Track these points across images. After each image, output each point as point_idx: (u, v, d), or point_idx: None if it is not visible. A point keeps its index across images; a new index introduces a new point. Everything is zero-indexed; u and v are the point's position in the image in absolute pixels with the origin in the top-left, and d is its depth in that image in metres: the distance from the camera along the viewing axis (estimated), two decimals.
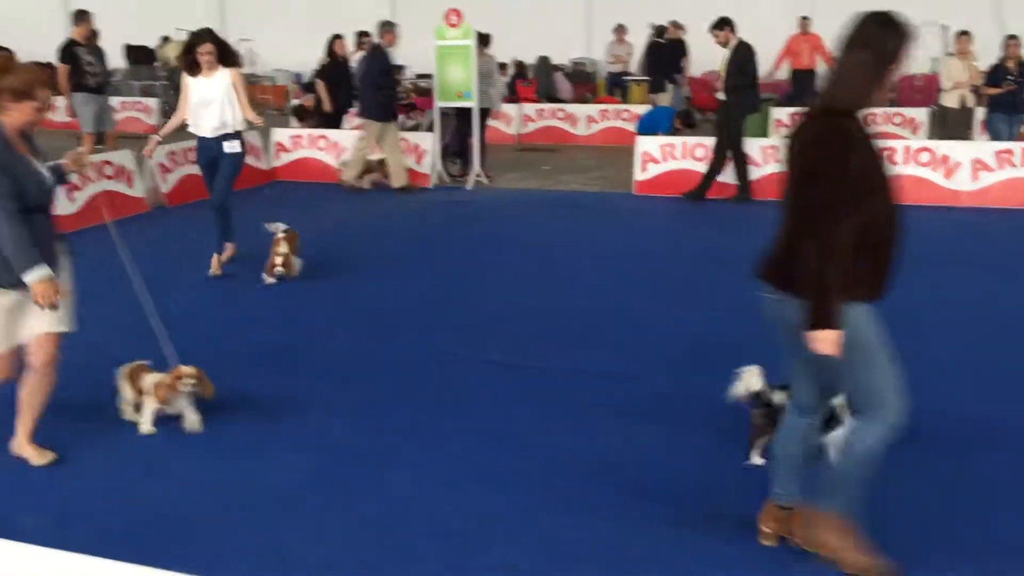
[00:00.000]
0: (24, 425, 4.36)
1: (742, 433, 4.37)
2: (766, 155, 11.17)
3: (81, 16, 11.44)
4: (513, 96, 19.12)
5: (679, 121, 13.19)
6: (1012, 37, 11.66)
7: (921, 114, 15.46)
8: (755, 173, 11.10)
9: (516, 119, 17.48)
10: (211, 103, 7.35)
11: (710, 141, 11.19)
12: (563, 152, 15.82)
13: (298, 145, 12.90)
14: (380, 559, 3.56)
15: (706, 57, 15.78)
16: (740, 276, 7.55)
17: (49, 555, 2.05)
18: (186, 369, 4.64)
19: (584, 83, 21.26)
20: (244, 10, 24.72)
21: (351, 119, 14.71)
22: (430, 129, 12.22)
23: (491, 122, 14.19)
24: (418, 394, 5.22)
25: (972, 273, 7.76)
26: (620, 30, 18.68)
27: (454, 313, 6.80)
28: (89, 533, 3.73)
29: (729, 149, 10.88)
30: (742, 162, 10.93)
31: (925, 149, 10.89)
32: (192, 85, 7.42)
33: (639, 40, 18.03)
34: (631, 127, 15.70)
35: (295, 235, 7.72)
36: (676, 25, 16.15)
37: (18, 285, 4.03)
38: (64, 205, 8.96)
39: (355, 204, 11.14)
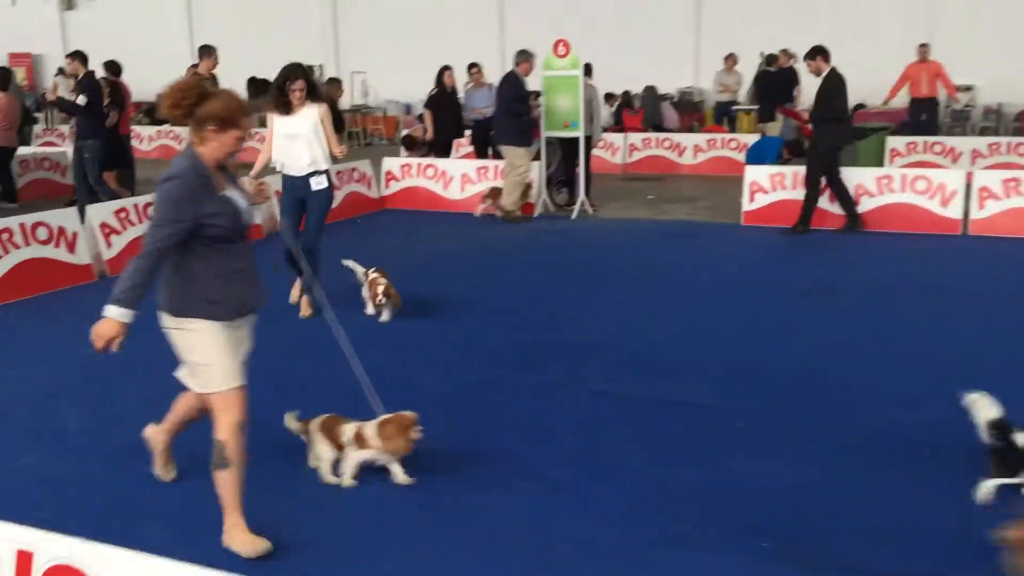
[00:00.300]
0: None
1: (848, 466, 4.24)
2: (880, 185, 10.86)
3: (206, 50, 12.00)
4: (619, 125, 19.13)
5: (787, 151, 12.96)
6: None
7: None
8: (870, 203, 10.82)
9: (622, 148, 17.48)
10: (298, 139, 7.08)
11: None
12: (669, 181, 15.72)
13: (407, 174, 13.20)
14: None
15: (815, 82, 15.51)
16: (842, 309, 7.45)
17: None
18: (411, 414, 4.38)
19: (691, 112, 21.11)
20: (357, 43, 25.50)
21: (459, 147, 14.99)
22: (537, 158, 12.32)
23: (596, 151, 14.22)
24: (516, 424, 5.25)
25: None
26: (729, 59, 18.50)
27: (556, 342, 6.82)
28: None
29: (826, 180, 10.63)
30: (842, 193, 10.66)
31: None
32: (278, 122, 7.14)
33: (748, 69, 17.85)
34: (739, 157, 15.51)
35: (384, 272, 7.47)
36: (787, 53, 15.89)
37: (243, 314, 3.86)
38: None
39: (460, 232, 11.31)
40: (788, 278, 8.67)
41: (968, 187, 10.61)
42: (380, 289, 7.18)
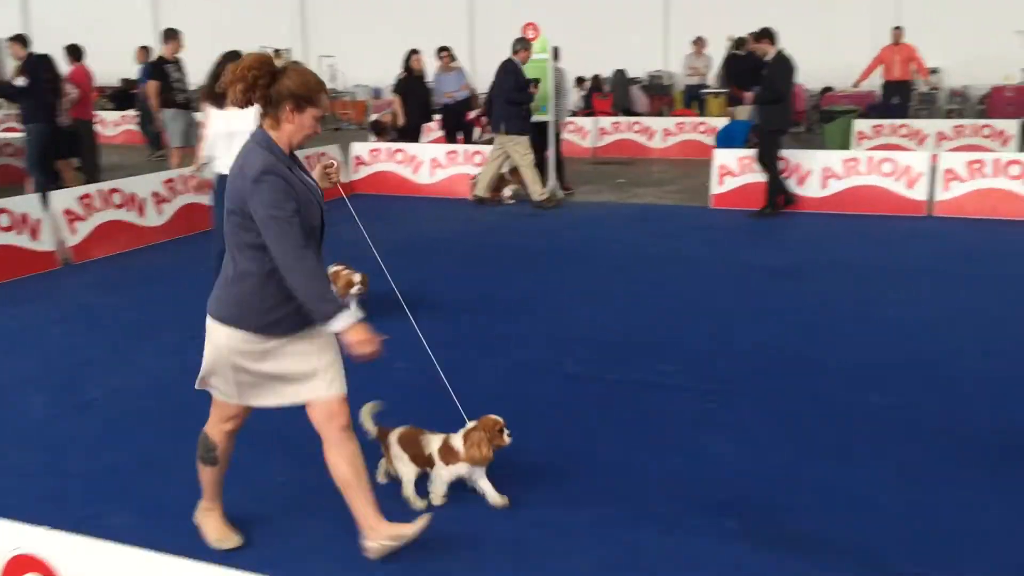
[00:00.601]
0: (365, 511, 3.56)
1: (816, 445, 4.27)
2: (847, 167, 10.95)
3: (171, 34, 11.83)
4: (589, 109, 19.12)
5: (755, 135, 13.03)
6: None
7: (1012, 126, 14.97)
8: (837, 185, 10.91)
9: (592, 132, 17.48)
10: (236, 137, 5.91)
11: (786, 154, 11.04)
12: (639, 165, 15.75)
13: (376, 159, 13.12)
14: (447, 570, 3.60)
15: None
16: (811, 290, 7.51)
17: None
18: (500, 418, 4.02)
19: (661, 96, 21.16)
20: (326, 26, 25.29)
21: (428, 132, 14.91)
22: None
23: (566, 135, 14.21)
24: (489, 408, 5.24)
25: None
26: (698, 42, 18.54)
27: (530, 326, 6.82)
28: None
29: (759, 162, 10.74)
30: (773, 177, 10.72)
31: (1015, 162, 10.53)
32: (215, 115, 6.45)
33: (718, 52, 17.90)
34: (708, 140, 15.58)
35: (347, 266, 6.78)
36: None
37: (297, 330, 3.43)
38: None
39: (432, 216, 11.27)
40: (757, 260, 8.72)
41: (933, 169, 10.72)
42: (357, 278, 6.57)
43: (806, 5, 19.73)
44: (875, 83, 16.32)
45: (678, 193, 12.65)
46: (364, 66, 23.77)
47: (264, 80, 3.23)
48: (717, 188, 11.49)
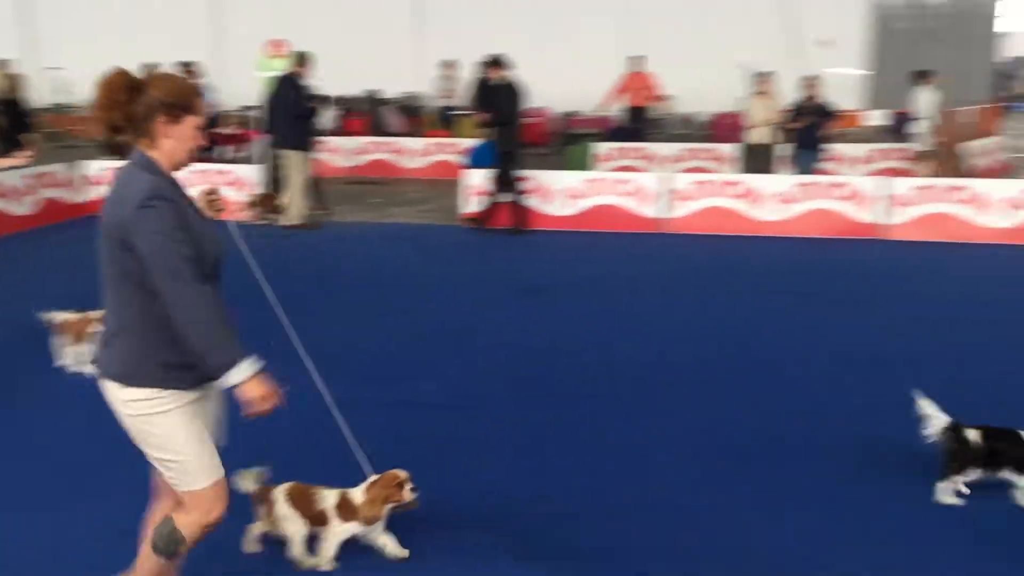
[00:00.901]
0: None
1: (569, 461, 4.45)
2: (588, 187, 11.57)
3: None
4: (341, 129, 18.98)
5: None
6: (810, 77, 12.58)
7: (731, 149, 16.38)
8: (580, 204, 11.49)
9: (346, 152, 17.36)
10: None
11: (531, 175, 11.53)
12: (394, 185, 15.83)
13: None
14: None
15: (530, 89, 16.23)
16: (558, 304, 7.88)
17: None
18: (403, 473, 3.73)
19: (413, 116, 21.37)
20: (55, 37, 23.51)
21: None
22: (260, 161, 11.93)
23: (320, 155, 13.99)
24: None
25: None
26: (449, 64, 18.91)
27: (289, 349, 6.64)
28: None
29: (498, 183, 11.23)
30: (504, 191, 11.21)
31: (735, 182, 11.57)
32: None
33: (468, 75, 18.31)
34: (461, 160, 15.89)
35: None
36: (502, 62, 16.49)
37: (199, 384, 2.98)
38: None
39: None
40: (508, 277, 9.01)
41: (666, 190, 11.54)
42: (91, 329, 5.68)
43: (553, 33, 20.68)
44: (616, 108, 17.39)
45: (433, 212, 12.83)
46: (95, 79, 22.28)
47: (123, 97, 2.85)
48: (468, 207, 11.76)
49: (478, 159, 13.20)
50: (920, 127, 14.14)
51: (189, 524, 3.03)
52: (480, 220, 11.41)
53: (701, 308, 7.90)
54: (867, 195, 11.07)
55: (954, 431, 4.29)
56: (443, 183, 15.42)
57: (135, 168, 2.89)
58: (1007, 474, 4.26)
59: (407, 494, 3.67)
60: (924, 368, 6.02)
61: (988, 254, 10.15)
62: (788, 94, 12.89)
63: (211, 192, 3.37)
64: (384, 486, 3.66)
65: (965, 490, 4.28)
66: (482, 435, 5.12)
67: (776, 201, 11.27)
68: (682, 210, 11.46)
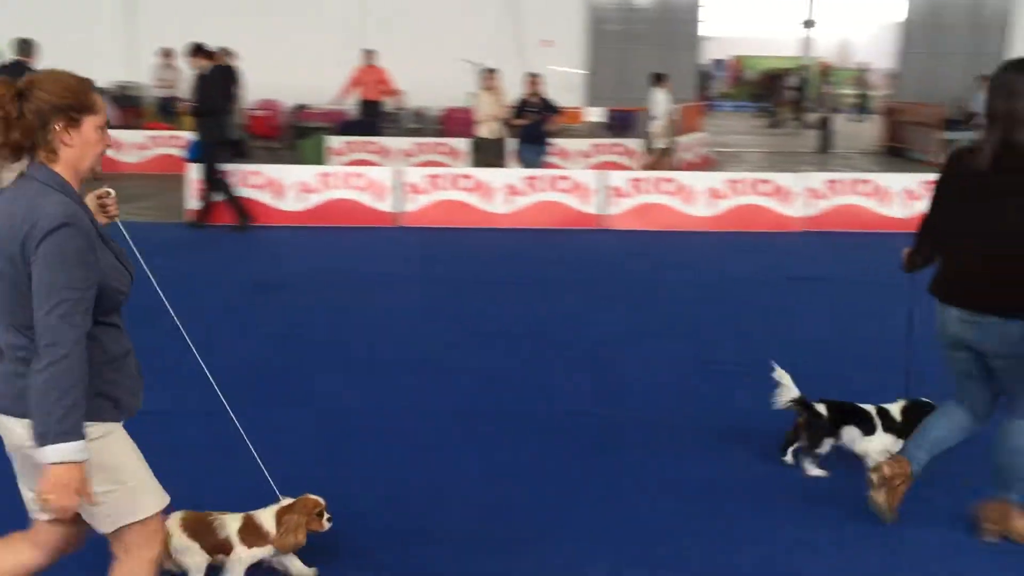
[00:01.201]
0: None
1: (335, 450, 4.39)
2: (321, 182, 11.41)
3: None
4: None
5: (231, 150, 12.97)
6: (532, 74, 13.13)
7: (463, 143, 16.79)
8: (313, 199, 11.31)
9: None
10: None
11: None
12: (111, 181, 14.68)
13: None
14: None
15: (260, 82, 15.76)
16: (292, 301, 7.75)
17: None
18: (317, 499, 3.49)
19: (131, 108, 20.08)
20: None
21: None
22: None
23: None
24: None
25: None
26: (167, 53, 17.94)
27: None
28: None
29: (206, 177, 10.95)
30: (214, 188, 10.95)
31: (466, 176, 11.86)
32: None
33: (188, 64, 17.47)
34: (184, 154, 15.14)
35: None
36: (226, 51, 15.87)
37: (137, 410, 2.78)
38: None
39: None
40: (241, 274, 8.73)
41: (399, 183, 11.63)
42: None
43: (284, 24, 20.17)
44: (349, 101, 17.26)
45: (154, 210, 12.14)
46: None
47: (13, 109, 2.41)
48: (193, 204, 11.24)
49: (193, 153, 12.65)
50: (655, 125, 15.22)
51: (140, 565, 2.72)
52: (199, 218, 10.98)
53: (435, 300, 8.05)
54: (588, 188, 11.75)
55: (804, 405, 4.47)
56: (166, 178, 14.64)
57: (43, 186, 2.47)
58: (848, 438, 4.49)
59: (324, 523, 3.50)
60: (630, 344, 6.51)
61: (696, 241, 11.09)
62: (514, 91, 13.38)
63: (103, 195, 3.02)
64: (304, 512, 3.45)
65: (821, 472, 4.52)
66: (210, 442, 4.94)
67: (505, 194, 11.70)
68: (416, 204, 11.60)
